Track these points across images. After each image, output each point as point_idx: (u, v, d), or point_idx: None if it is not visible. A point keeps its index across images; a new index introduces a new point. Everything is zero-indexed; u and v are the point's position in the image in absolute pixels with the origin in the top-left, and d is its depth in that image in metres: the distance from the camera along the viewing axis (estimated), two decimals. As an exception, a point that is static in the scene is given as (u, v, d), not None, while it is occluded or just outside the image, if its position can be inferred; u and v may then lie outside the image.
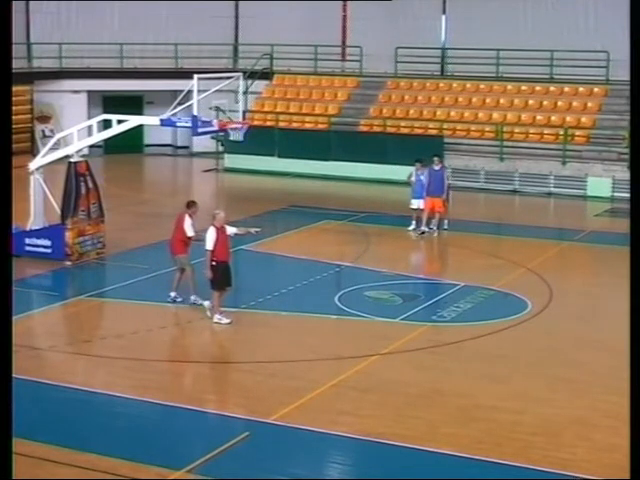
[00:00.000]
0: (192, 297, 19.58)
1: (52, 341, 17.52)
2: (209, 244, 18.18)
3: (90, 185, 23.46)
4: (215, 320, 18.38)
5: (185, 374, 16.14)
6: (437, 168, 27.47)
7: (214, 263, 18.19)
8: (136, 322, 18.60)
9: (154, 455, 12.70)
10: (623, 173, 33.83)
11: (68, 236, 22.85)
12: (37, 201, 23.40)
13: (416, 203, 27.44)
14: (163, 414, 14.34)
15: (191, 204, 20.03)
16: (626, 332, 18.61)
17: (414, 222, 27.39)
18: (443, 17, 41.59)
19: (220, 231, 18.38)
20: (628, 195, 34.37)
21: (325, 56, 42.21)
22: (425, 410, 14.65)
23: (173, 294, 19.82)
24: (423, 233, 26.91)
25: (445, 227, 27.24)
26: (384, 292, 20.98)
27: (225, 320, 18.35)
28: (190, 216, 19.78)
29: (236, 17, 44.99)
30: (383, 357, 16.91)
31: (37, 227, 23.31)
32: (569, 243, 26.57)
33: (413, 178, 27.62)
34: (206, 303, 18.74)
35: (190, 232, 19.62)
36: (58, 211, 23.19)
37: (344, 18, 43.58)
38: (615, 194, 33.65)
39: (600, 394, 15.23)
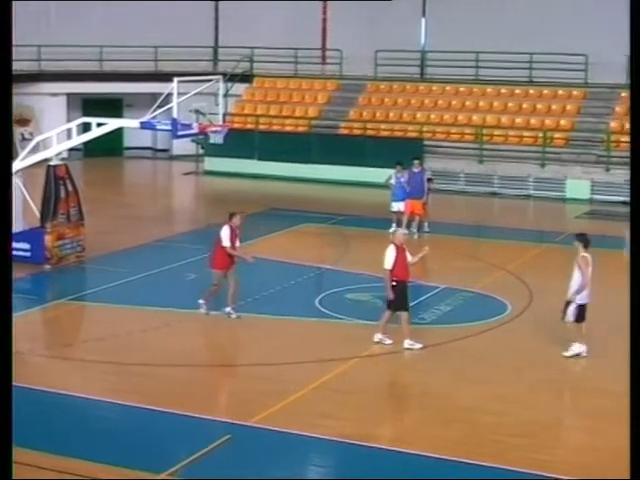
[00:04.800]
0: (227, 309, 19.19)
1: (31, 345, 17.43)
2: (388, 263, 17.26)
3: (70, 188, 23.41)
4: (376, 339, 17.55)
5: (166, 377, 16.09)
6: (417, 171, 27.57)
7: (394, 283, 17.25)
8: (116, 326, 18.55)
9: (135, 459, 12.67)
10: (602, 175, 34.04)
11: (47, 239, 22.79)
12: (16, 204, 23.27)
13: (396, 206, 27.49)
14: (144, 418, 14.30)
15: (232, 215, 19.19)
16: (606, 333, 18.74)
17: (394, 225, 27.41)
18: (423, 20, 41.69)
19: (400, 250, 17.40)
20: (607, 197, 34.86)
21: (305, 59, 42.28)
22: (406, 412, 14.68)
23: (228, 309, 19.18)
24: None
25: (425, 230, 27.32)
26: (364, 294, 20.99)
27: (388, 341, 17.50)
28: (231, 227, 18.97)
29: (216, 20, 44.98)
30: (364, 359, 16.93)
31: (16, 231, 23.21)
32: (548, 245, 26.65)
33: (393, 181, 27.69)
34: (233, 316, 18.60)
35: (225, 242, 18.84)
36: (37, 214, 23.12)
37: (324, 21, 43.64)
38: (594, 196, 33.82)
39: (580, 395, 15.30)
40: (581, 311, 17.10)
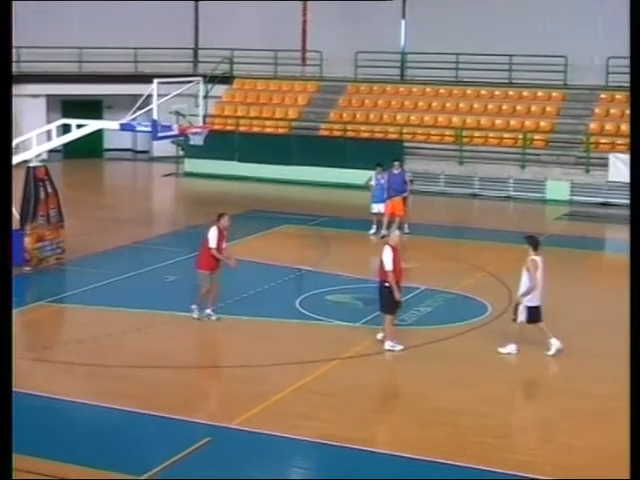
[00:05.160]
0: (207, 310, 19.08)
1: (11, 347, 17.34)
2: (388, 264, 17.13)
3: (49, 190, 23.33)
4: (387, 347, 17.39)
5: (146, 380, 16.05)
6: (397, 172, 27.61)
7: (387, 284, 17.22)
8: (96, 327, 18.49)
9: (115, 461, 12.64)
10: (581, 177, 34.15)
11: (27, 241, 22.70)
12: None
13: (377, 207, 27.54)
14: (124, 420, 14.25)
15: (220, 216, 19.11)
16: (586, 333, 18.81)
17: (375, 226, 27.47)
18: (403, 22, 41.72)
19: (395, 251, 17.38)
20: (586, 199, 34.92)
21: (285, 60, 42.23)
22: (387, 414, 14.68)
23: (208, 310, 19.09)
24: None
25: (406, 231, 27.32)
26: (345, 296, 21.00)
27: (398, 347, 17.40)
28: (219, 228, 18.88)
29: (196, 21, 44.89)
30: (344, 361, 16.93)
31: (-5, 232, 23.09)
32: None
33: (373, 182, 27.73)
34: (213, 317, 18.55)
35: (212, 243, 18.72)
36: (17, 216, 23.00)
37: (304, 23, 43.61)
38: (574, 197, 33.93)
39: (562, 396, 15.33)
40: (534, 313, 17.22)
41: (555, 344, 17.22)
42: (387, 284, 17.21)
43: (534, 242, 17.57)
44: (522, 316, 17.22)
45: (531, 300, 17.16)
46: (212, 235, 18.78)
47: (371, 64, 39.97)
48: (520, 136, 35.87)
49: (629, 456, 8.68)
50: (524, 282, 17.20)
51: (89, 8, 41.91)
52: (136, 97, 23.63)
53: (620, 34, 36.92)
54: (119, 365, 16.51)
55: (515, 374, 16.45)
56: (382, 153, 31.63)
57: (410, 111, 38.77)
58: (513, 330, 17.36)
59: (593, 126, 35.84)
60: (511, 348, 17.32)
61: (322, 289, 21.49)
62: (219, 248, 18.80)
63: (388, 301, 17.37)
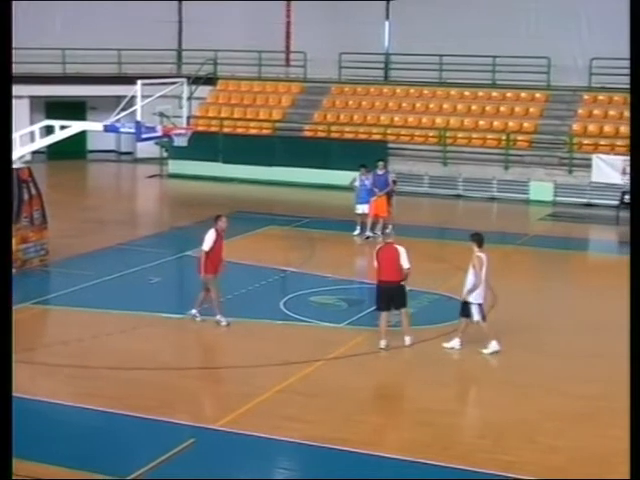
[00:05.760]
0: (217, 316, 18.95)
1: (-5, 349, 17.31)
2: (406, 262, 17.59)
3: (33, 192, 23.27)
4: (407, 343, 17.67)
5: (131, 381, 16.03)
6: (381, 173, 27.66)
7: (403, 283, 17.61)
8: (81, 329, 18.47)
9: (99, 463, 12.63)
10: (565, 177, 34.26)
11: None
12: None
13: (361, 208, 27.58)
14: (108, 422, 14.25)
15: (217, 218, 19.10)
16: (569, 334, 18.87)
17: (359, 227, 27.51)
18: (386, 23, 41.80)
19: (383, 250, 17.79)
20: (570, 199, 35.04)
21: (269, 61, 42.22)
22: (372, 414, 14.70)
23: (194, 311, 19.04)
24: (368, 238, 27.02)
25: (389, 232, 27.33)
26: (329, 297, 21.03)
27: (382, 344, 17.51)
28: (216, 231, 18.82)
29: (180, 22, 44.83)
30: (329, 362, 16.95)
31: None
32: (512, 247, 26.79)
33: (357, 183, 27.77)
34: (223, 323, 18.42)
35: (205, 245, 18.66)
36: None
37: (288, 24, 43.63)
38: (557, 198, 34.02)
39: (545, 396, 15.38)
40: (468, 308, 17.49)
41: (455, 343, 17.50)
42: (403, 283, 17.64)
43: (478, 239, 17.78)
44: (477, 315, 17.41)
45: (476, 297, 17.33)
46: (208, 238, 18.71)
47: (355, 65, 40.04)
48: (503, 137, 35.96)
49: (629, 456, 8.68)
50: (470, 279, 17.38)
51: (72, 9, 41.83)
52: (120, 98, 23.60)
53: (603, 35, 37.25)
54: (104, 367, 16.49)
55: (498, 375, 16.49)
56: (366, 154, 31.65)
57: (394, 112, 38.82)
58: (483, 328, 17.49)
59: (576, 127, 35.96)
60: (455, 343, 17.61)
61: (306, 290, 21.51)
62: (217, 250, 18.71)
63: (377, 298, 17.70)
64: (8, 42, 9.42)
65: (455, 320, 18.30)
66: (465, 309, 17.49)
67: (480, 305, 17.41)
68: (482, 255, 17.49)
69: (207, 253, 18.67)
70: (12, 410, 8.70)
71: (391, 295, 17.67)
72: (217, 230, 18.88)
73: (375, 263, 17.66)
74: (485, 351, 17.37)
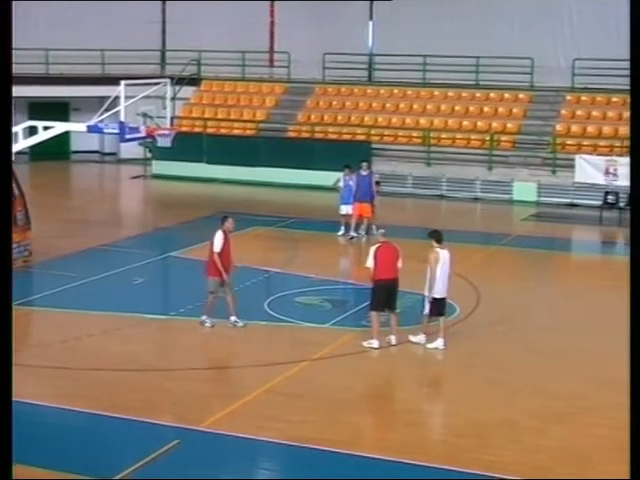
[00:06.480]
0: (232, 318, 18.78)
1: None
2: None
3: (16, 192, 23.18)
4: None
5: (114, 382, 15.99)
6: (365, 174, 27.67)
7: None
8: (64, 330, 18.42)
9: (83, 464, 12.61)
10: (548, 178, 34.34)
11: (-6, 244, 22.54)
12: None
13: (345, 209, 27.59)
14: (91, 423, 14.22)
15: (224, 219, 18.90)
16: (553, 334, 18.92)
17: (343, 227, 27.52)
18: (370, 23, 41.83)
19: (382, 249, 17.81)
20: (553, 199, 35.13)
21: (253, 62, 42.21)
22: (355, 415, 14.70)
23: (204, 317, 18.81)
24: (352, 238, 27.05)
25: (374, 232, 27.34)
26: (313, 298, 21.03)
27: (375, 344, 17.53)
28: (224, 232, 18.59)
29: (163, 23, 44.77)
30: (313, 362, 16.95)
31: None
32: (496, 247, 26.86)
33: (341, 184, 27.79)
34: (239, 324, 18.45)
35: (216, 248, 18.42)
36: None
37: (272, 24, 43.62)
38: (541, 198, 34.10)
39: (528, 396, 15.41)
40: (438, 305, 17.61)
41: (439, 343, 17.53)
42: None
43: (436, 235, 17.96)
44: (426, 309, 17.54)
45: (435, 292, 17.42)
46: (217, 239, 18.47)
47: (339, 65, 40.07)
48: (487, 137, 36.02)
49: (629, 456, 8.69)
50: (428, 276, 17.56)
51: (56, 9, 41.70)
52: (103, 99, 23.58)
53: (586, 36, 37.39)
54: (87, 368, 16.44)
55: (481, 373, 16.51)
56: (350, 154, 31.69)
57: (378, 112, 38.86)
58: (423, 321, 17.76)
59: (559, 127, 36.06)
60: (420, 338, 17.75)
61: (291, 291, 21.51)
62: (226, 252, 18.60)
63: (372, 297, 17.86)
64: (8, 42, 9.42)
65: (437, 320, 18.34)
66: (435, 307, 17.62)
67: (437, 300, 17.51)
68: (441, 251, 17.69)
69: (214, 255, 18.46)
70: (12, 413, 8.67)
71: (389, 294, 17.77)
72: (224, 231, 18.67)
73: (372, 262, 17.61)
74: (413, 338, 17.56)
